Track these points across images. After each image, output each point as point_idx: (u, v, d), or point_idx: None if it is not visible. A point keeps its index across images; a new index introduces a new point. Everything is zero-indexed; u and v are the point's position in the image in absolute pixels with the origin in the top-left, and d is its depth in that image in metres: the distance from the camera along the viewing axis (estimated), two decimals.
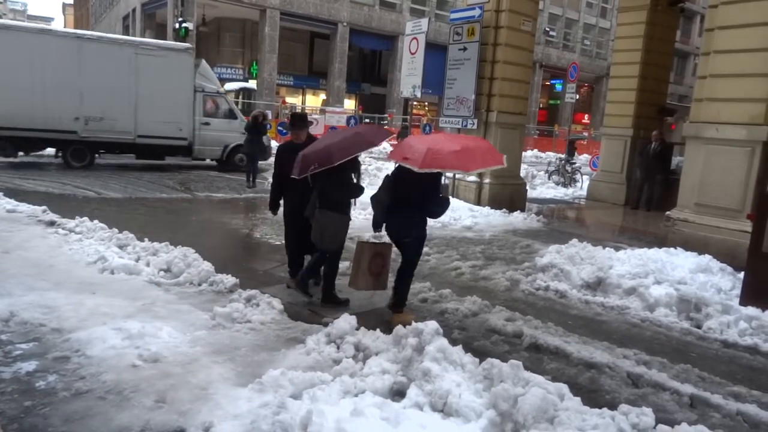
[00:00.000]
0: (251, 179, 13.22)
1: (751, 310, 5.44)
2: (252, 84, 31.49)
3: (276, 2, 31.59)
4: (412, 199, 4.90)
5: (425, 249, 7.64)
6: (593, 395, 3.89)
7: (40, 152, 14.95)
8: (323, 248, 5.33)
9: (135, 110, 13.90)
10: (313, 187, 5.19)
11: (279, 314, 4.82)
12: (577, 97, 18.19)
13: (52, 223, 7.48)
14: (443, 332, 3.84)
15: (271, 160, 8.43)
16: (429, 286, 6.09)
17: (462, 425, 3.09)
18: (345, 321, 4.33)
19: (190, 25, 28.50)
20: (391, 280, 5.35)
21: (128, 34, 39.16)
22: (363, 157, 23.67)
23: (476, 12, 11.49)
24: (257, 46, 33.32)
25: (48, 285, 5.10)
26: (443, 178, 7.43)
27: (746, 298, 5.72)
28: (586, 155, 24.98)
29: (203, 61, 15.72)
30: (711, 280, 6.26)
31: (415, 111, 36.53)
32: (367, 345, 4.05)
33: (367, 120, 30.76)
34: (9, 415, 3.04)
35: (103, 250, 6.21)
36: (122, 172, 14.22)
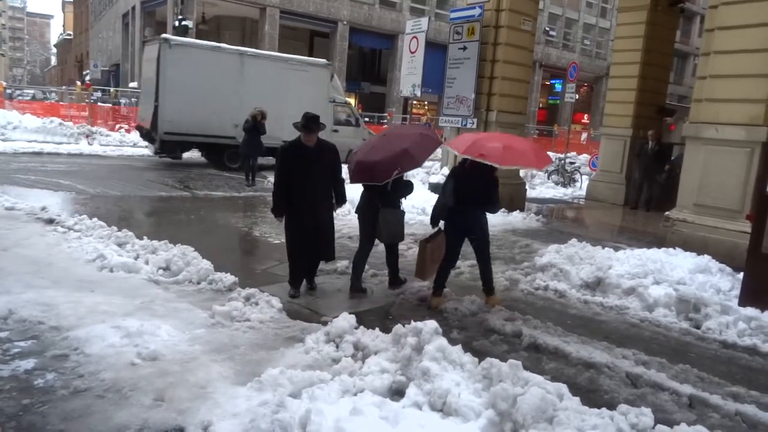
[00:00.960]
0: (251, 178, 13.20)
1: (750, 311, 5.44)
2: None
3: (276, 0, 31.57)
4: (474, 198, 5.32)
5: None
6: (592, 395, 3.89)
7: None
8: (389, 242, 5.88)
9: (282, 119, 14.40)
10: (377, 189, 5.56)
11: (278, 313, 4.82)
12: (577, 96, 18.21)
13: (50, 221, 7.46)
14: (442, 332, 3.84)
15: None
16: (428, 285, 6.08)
17: (461, 425, 3.09)
18: (344, 320, 4.32)
19: (189, 23, 28.47)
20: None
21: (127, 32, 39.21)
22: None
23: (476, 11, 11.49)
24: (257, 44, 33.25)
25: (47, 283, 5.09)
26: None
27: (745, 299, 5.72)
28: (585, 155, 24.99)
29: (335, 75, 17.07)
30: (710, 280, 6.26)
31: (414, 110, 36.50)
32: (366, 344, 4.05)
33: (367, 119, 30.74)
34: (7, 413, 3.04)
35: (102, 248, 6.20)
36: (122, 171, 14.21)
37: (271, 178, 5.68)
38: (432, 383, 3.36)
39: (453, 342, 3.89)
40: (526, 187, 13.25)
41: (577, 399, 3.20)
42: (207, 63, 14.95)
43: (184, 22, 27.70)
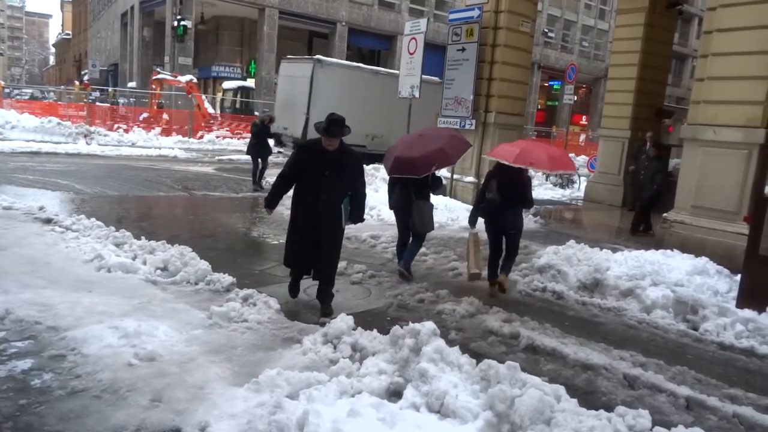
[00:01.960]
0: (258, 180, 13.00)
1: (748, 313, 5.45)
2: (250, 83, 31.43)
3: (275, 1, 31.55)
4: (513, 198, 6.00)
5: (422, 249, 7.69)
6: (590, 397, 3.90)
7: None
8: (423, 232, 6.48)
9: (406, 131, 14.95)
10: (413, 183, 6.18)
11: (276, 314, 4.82)
12: (575, 98, 18.27)
13: (48, 221, 7.45)
14: (440, 333, 3.83)
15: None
16: (426, 287, 6.09)
17: (459, 426, 3.09)
18: (342, 321, 4.32)
19: (188, 23, 28.47)
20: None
21: (126, 32, 39.16)
22: None
23: (475, 13, 11.50)
24: (256, 44, 33.28)
25: (44, 283, 5.08)
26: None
27: (742, 301, 5.74)
28: (583, 156, 25.01)
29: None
30: (708, 282, 6.27)
31: None
32: (364, 345, 4.05)
33: None
34: (4, 414, 3.03)
35: (100, 248, 6.19)
36: (120, 171, 14.19)
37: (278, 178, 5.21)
38: (430, 384, 3.35)
39: (451, 343, 3.89)
40: None
41: (574, 400, 3.20)
42: (347, 79, 16.83)
43: (183, 23, 27.72)
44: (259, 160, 12.99)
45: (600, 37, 48.81)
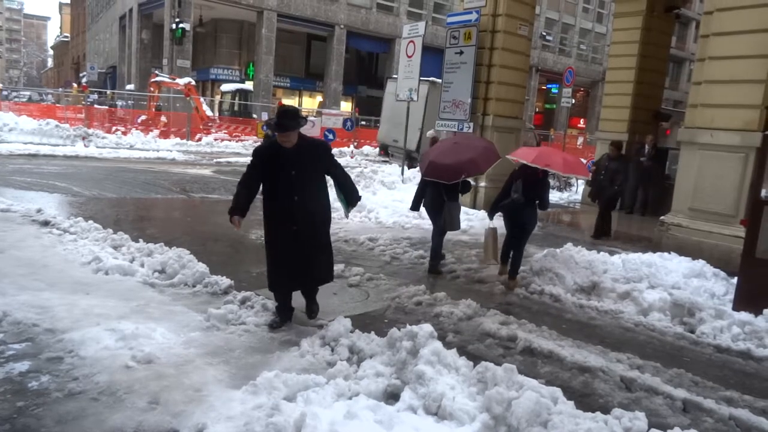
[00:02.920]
0: None
1: (744, 315, 5.46)
2: (248, 85, 31.46)
3: (273, 4, 31.61)
4: (534, 196, 6.51)
5: (420, 252, 7.72)
6: (587, 399, 3.90)
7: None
8: (452, 230, 7.09)
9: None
10: (444, 186, 6.65)
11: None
12: (573, 101, 18.50)
13: (46, 223, 7.45)
14: (437, 335, 3.84)
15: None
16: (424, 289, 6.09)
17: (456, 428, 3.10)
18: (339, 323, 4.33)
19: (186, 26, 28.51)
20: None
21: (124, 34, 39.19)
22: (359, 159, 23.75)
23: (473, 16, 11.53)
24: (254, 47, 33.32)
25: (42, 285, 5.08)
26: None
27: (739, 303, 5.75)
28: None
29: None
30: (704, 284, 6.29)
31: None
32: (362, 348, 4.05)
33: (364, 123, 30.79)
34: (1, 416, 3.03)
35: (98, 251, 6.19)
36: (118, 173, 14.18)
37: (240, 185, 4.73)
38: (427, 387, 3.36)
39: (448, 346, 3.90)
40: None
41: (571, 403, 3.21)
42: None
43: (181, 25, 27.75)
44: None
45: (598, 40, 48.96)
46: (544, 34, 44.33)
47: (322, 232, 4.72)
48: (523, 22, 11.86)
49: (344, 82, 35.65)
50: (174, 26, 28.07)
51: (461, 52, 11.78)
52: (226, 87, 29.61)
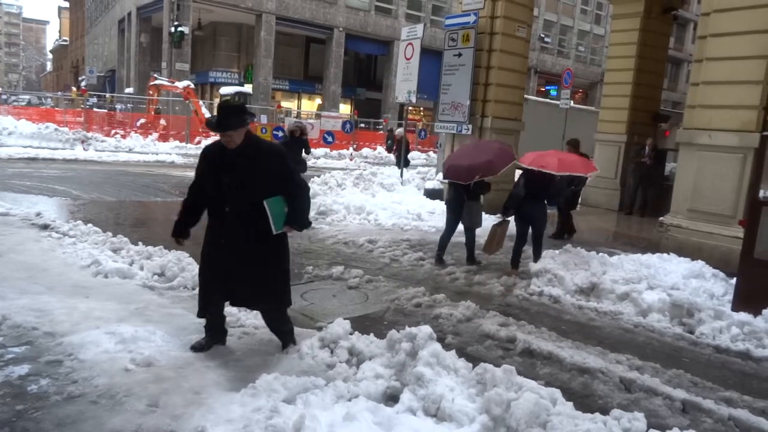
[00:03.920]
0: None
1: (743, 316, 5.46)
2: (248, 88, 31.48)
3: (272, 7, 31.64)
4: (538, 194, 7.13)
5: (419, 254, 7.74)
6: (586, 400, 3.91)
7: None
8: (469, 227, 7.56)
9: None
10: (463, 186, 7.21)
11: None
12: (572, 103, 18.64)
13: (45, 227, 7.45)
14: (437, 337, 3.84)
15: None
16: (423, 291, 6.10)
17: (455, 430, 3.10)
18: (339, 325, 4.32)
19: (185, 29, 28.53)
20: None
21: (123, 38, 39.22)
22: (358, 162, 23.75)
23: (471, 18, 11.55)
24: (253, 50, 33.34)
25: (41, 288, 5.08)
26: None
27: (738, 304, 5.75)
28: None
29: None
30: (703, 285, 6.29)
31: (410, 116, 36.60)
32: (361, 350, 4.05)
33: (363, 125, 30.81)
34: (1, 419, 3.03)
35: (97, 254, 6.19)
36: (117, 176, 14.19)
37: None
38: (426, 388, 3.36)
39: (447, 347, 3.90)
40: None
41: (570, 404, 3.21)
42: (544, 114, 19.20)
43: (180, 28, 27.78)
44: None
45: (596, 42, 49.02)
46: (543, 35, 44.40)
47: (264, 253, 3.89)
48: (522, 24, 11.88)
49: (343, 84, 35.67)
50: (173, 29, 28.08)
51: (460, 54, 11.80)
52: (225, 90, 29.58)
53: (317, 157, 22.96)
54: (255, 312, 4.81)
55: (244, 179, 3.75)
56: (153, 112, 25.01)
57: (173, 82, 25.37)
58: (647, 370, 4.48)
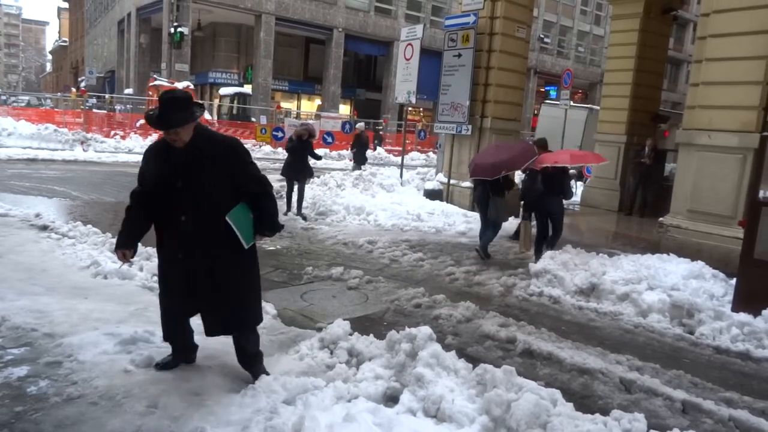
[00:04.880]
0: (298, 207, 10.56)
1: (743, 316, 5.46)
2: (247, 89, 31.48)
3: (271, 8, 31.65)
4: (556, 188, 7.66)
5: (419, 255, 7.75)
6: (586, 401, 3.91)
7: None
8: (495, 220, 8.08)
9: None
10: (489, 183, 7.78)
11: (272, 319, 4.82)
12: (571, 103, 18.56)
13: (45, 228, 7.45)
14: (437, 338, 3.84)
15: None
16: (423, 292, 6.10)
17: (455, 430, 3.09)
18: (338, 326, 4.32)
19: (185, 30, 28.52)
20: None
21: (123, 39, 39.21)
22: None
23: (471, 19, 11.55)
24: (252, 51, 33.34)
25: (40, 290, 5.07)
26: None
27: (738, 305, 5.75)
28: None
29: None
30: (703, 286, 6.29)
31: (410, 117, 36.59)
32: (361, 350, 4.05)
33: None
34: (0, 421, 3.02)
35: (96, 255, 6.18)
36: (117, 177, 14.19)
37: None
38: (426, 389, 3.36)
39: (447, 348, 3.90)
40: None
41: (570, 405, 3.21)
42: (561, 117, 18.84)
43: (179, 29, 27.77)
44: (295, 182, 10.57)
45: (596, 42, 49.03)
46: (542, 36, 44.39)
47: (231, 265, 3.38)
48: (521, 25, 11.88)
49: (343, 85, 35.67)
50: (172, 30, 28.08)
51: (459, 55, 11.80)
52: (224, 91, 29.64)
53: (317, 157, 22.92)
54: None
55: (202, 181, 3.22)
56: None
57: (173, 83, 25.33)
58: (647, 370, 4.48)
